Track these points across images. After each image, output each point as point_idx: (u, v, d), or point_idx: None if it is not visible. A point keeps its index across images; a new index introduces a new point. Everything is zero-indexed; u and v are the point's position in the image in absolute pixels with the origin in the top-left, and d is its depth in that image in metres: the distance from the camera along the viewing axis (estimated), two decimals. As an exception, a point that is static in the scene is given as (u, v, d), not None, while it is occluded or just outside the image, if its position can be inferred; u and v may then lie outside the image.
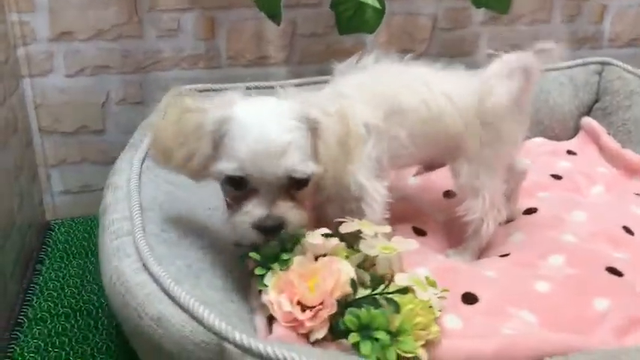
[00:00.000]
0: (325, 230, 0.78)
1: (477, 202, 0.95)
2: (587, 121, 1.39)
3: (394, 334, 0.68)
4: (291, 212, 0.75)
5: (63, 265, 1.20)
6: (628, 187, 1.19)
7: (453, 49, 1.47)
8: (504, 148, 0.96)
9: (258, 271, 0.74)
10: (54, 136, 1.36)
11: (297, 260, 0.74)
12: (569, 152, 1.34)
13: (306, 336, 0.70)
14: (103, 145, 1.38)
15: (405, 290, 0.72)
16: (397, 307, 0.70)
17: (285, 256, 0.74)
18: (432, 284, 0.77)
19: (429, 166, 1.07)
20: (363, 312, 0.68)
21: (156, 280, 0.67)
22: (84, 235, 1.31)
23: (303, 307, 0.70)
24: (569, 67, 1.42)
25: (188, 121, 0.76)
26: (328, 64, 0.97)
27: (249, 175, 0.73)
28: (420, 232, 1.05)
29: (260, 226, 0.74)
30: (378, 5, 1.15)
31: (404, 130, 0.90)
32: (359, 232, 0.81)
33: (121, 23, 1.29)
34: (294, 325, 0.70)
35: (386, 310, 0.69)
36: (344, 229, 0.81)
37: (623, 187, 1.20)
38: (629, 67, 1.38)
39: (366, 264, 0.79)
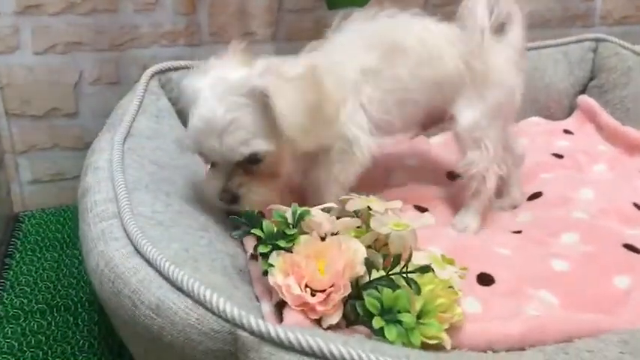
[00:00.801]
0: (329, 205, 0.74)
1: (478, 153, 0.93)
2: (583, 99, 1.36)
3: (417, 317, 0.63)
4: (245, 187, 0.78)
5: (35, 259, 1.12)
6: (632, 165, 1.17)
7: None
8: (505, 94, 0.94)
9: (261, 249, 0.68)
10: (22, 119, 1.28)
11: (302, 239, 0.69)
12: (566, 131, 1.32)
13: (319, 322, 0.64)
14: (76, 130, 1.31)
15: (425, 269, 0.66)
16: (418, 288, 0.64)
17: (289, 231, 0.69)
18: (450, 262, 0.73)
19: (426, 123, 1.02)
20: (385, 293, 0.62)
21: (152, 264, 0.60)
22: (57, 226, 1.23)
23: (313, 291, 0.64)
24: (564, 44, 1.39)
25: None
26: (317, 41, 0.92)
27: (200, 151, 0.79)
28: (422, 210, 1.01)
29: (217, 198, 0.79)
30: (368, -22, 1.10)
31: (405, 70, 0.89)
32: (368, 208, 0.75)
33: (95, -4, 1.23)
34: (305, 309, 0.63)
35: (407, 292, 0.63)
36: (350, 206, 0.77)
37: (626, 164, 1.18)
38: (626, 44, 1.35)
39: (376, 244, 0.73)
